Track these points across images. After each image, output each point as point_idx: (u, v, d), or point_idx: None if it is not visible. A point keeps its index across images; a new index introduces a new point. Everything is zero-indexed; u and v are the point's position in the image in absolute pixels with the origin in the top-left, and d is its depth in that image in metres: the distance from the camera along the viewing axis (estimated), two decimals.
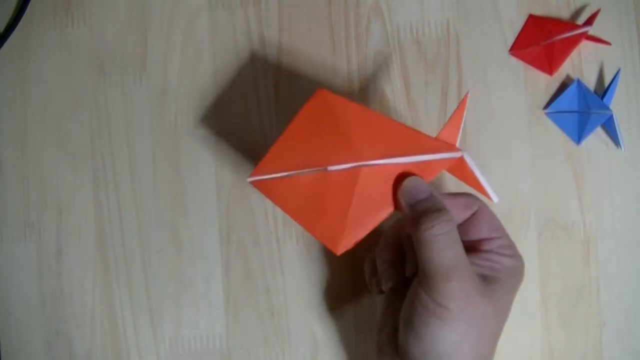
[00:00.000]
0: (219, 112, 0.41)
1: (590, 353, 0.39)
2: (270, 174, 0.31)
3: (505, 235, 0.32)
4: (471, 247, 0.32)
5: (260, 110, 0.41)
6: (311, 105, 0.32)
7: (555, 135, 0.40)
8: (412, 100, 0.41)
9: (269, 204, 0.40)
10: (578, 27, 0.40)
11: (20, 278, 0.41)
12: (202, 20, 0.41)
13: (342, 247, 0.30)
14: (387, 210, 0.31)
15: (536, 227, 0.40)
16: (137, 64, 0.41)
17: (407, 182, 0.30)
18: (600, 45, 0.40)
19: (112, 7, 0.42)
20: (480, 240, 0.32)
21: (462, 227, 0.32)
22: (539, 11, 0.41)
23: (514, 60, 0.41)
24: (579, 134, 0.40)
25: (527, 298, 0.40)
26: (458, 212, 0.32)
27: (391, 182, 0.31)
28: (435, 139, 0.31)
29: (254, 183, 0.31)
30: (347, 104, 0.31)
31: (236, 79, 0.41)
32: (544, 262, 0.40)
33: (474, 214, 0.32)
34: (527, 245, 0.40)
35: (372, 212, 0.30)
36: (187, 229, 0.41)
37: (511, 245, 0.32)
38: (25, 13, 0.41)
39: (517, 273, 0.32)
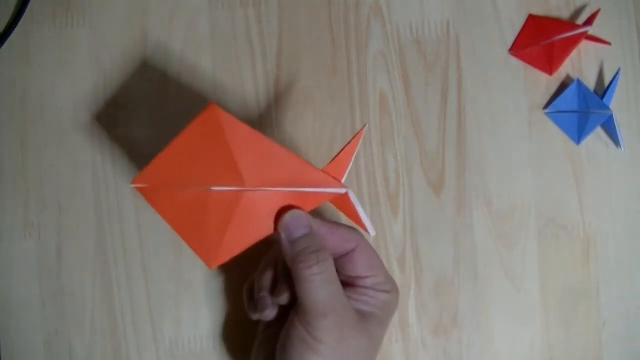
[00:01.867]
0: None
1: (590, 353, 0.39)
2: (154, 182, 0.31)
3: (383, 272, 0.33)
4: (349, 283, 0.32)
5: (260, 110, 0.41)
6: (201, 119, 0.31)
7: (555, 135, 0.40)
8: (412, 100, 0.41)
9: None
10: (578, 27, 0.40)
11: (20, 278, 0.41)
12: (202, 20, 0.41)
13: (215, 262, 0.30)
14: (266, 232, 0.31)
15: (536, 227, 0.40)
16: (137, 64, 0.41)
17: (288, 217, 0.30)
18: (600, 45, 0.40)
19: (112, 7, 0.42)
20: (357, 277, 0.32)
21: (341, 262, 0.32)
22: (539, 11, 0.41)
23: (514, 60, 0.41)
24: (579, 134, 0.40)
25: (527, 298, 0.40)
26: (338, 244, 0.32)
27: (273, 208, 0.31)
28: (323, 171, 0.31)
29: (137, 189, 0.31)
30: (237, 125, 0.30)
31: (236, 79, 0.41)
32: (544, 262, 0.40)
33: (353, 250, 0.32)
34: (527, 245, 0.40)
35: (251, 233, 0.30)
36: None
37: (387, 281, 0.33)
38: (25, 13, 0.41)
39: (391, 306, 0.33)
